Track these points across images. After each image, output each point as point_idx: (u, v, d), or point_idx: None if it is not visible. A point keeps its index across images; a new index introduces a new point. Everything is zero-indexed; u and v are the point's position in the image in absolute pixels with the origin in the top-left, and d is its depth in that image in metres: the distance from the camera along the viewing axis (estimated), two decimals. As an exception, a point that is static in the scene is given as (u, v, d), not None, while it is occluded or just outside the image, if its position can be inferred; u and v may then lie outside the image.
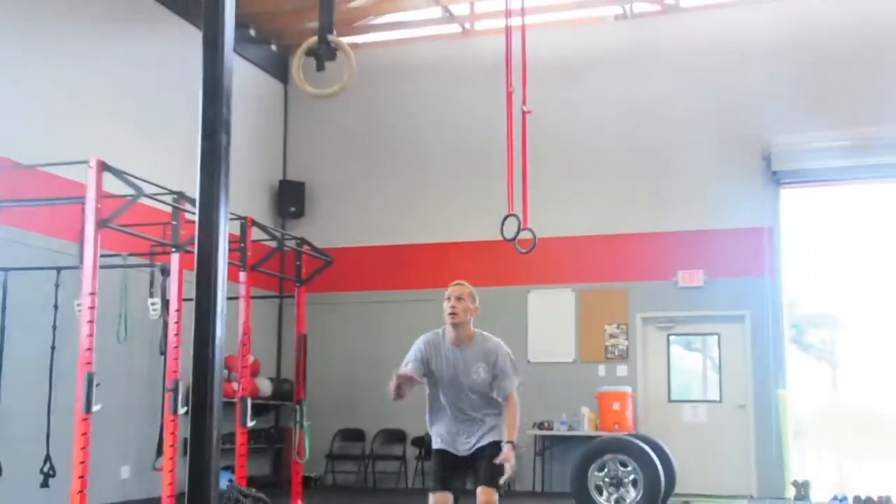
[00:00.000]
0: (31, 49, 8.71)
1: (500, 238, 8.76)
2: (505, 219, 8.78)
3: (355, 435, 12.08)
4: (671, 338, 11.60)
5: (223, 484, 7.98)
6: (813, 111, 11.09)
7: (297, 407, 9.66)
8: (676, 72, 11.68)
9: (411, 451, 11.81)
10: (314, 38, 4.04)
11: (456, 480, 4.88)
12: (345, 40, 12.82)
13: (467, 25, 12.66)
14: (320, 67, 4.08)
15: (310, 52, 4.16)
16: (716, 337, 11.45)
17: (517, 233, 8.80)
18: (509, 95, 8.72)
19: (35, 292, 8.24)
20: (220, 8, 2.59)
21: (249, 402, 8.55)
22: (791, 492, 10.14)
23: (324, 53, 4.05)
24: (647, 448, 9.81)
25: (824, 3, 11.29)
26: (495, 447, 4.70)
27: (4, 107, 8.24)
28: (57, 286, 8.23)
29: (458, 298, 4.80)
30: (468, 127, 12.16)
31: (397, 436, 11.96)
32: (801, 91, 11.20)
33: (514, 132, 8.71)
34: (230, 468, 8.72)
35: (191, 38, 10.47)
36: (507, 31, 8.92)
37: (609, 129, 11.80)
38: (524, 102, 8.69)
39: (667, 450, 10.13)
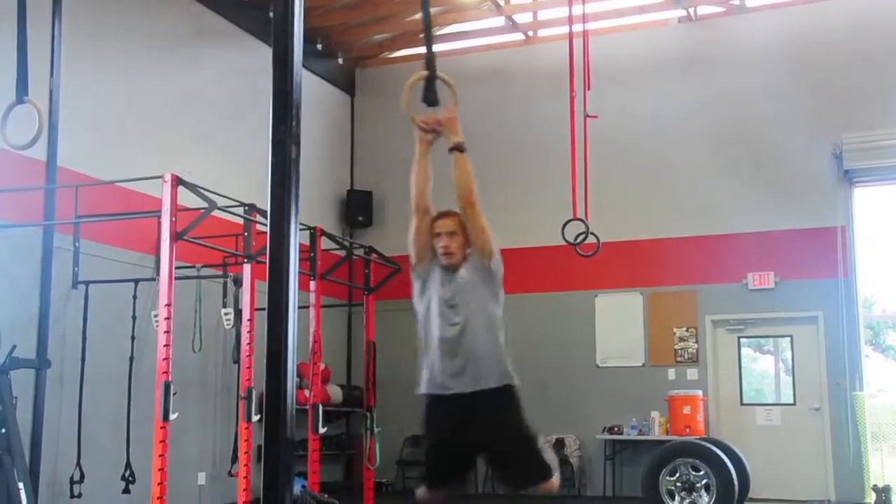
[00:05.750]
0: (106, 68, 8.99)
1: (565, 243, 8.78)
2: (567, 223, 8.81)
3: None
4: (742, 340, 11.45)
5: (296, 490, 8.12)
6: (885, 107, 10.88)
7: (368, 413, 9.78)
8: (742, 73, 11.55)
9: (481, 457, 11.83)
10: (422, 74, 4.17)
11: None
12: (409, 51, 13.10)
13: (530, 33, 12.69)
14: (433, 102, 4.19)
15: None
16: (788, 339, 11.28)
17: (584, 237, 8.82)
18: (572, 101, 8.76)
19: (114, 304, 8.51)
20: (289, 25, 2.69)
21: (321, 409, 8.69)
22: (871, 497, 9.92)
23: (430, 89, 4.15)
24: (719, 452, 9.71)
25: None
26: None
27: (82, 125, 8.52)
28: (134, 298, 8.49)
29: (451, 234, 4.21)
30: (532, 133, 12.19)
31: (467, 442, 12.00)
32: (872, 87, 10.99)
33: (578, 137, 8.73)
34: (303, 474, 8.87)
35: (260, 54, 10.70)
36: (570, 37, 8.95)
37: (675, 132, 11.71)
38: (586, 108, 8.71)
39: (740, 453, 10.02)
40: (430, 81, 4.15)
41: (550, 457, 4.29)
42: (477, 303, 4.19)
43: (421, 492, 4.41)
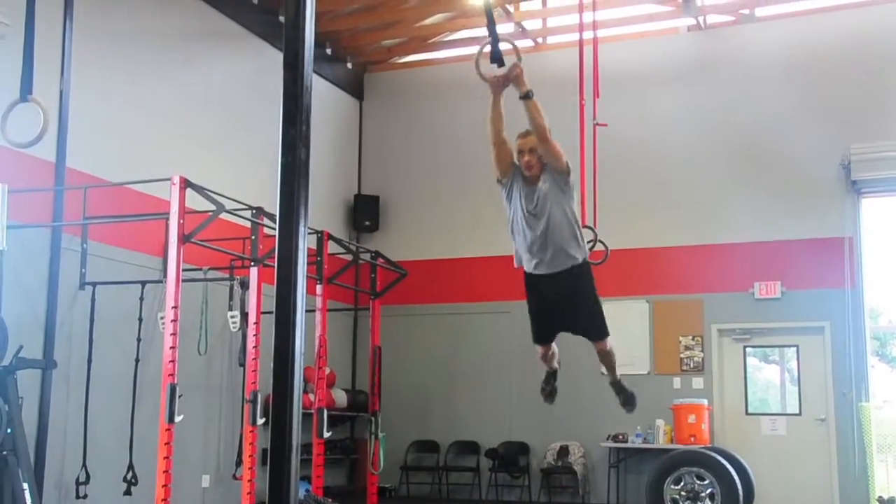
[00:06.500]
0: (115, 70, 9.01)
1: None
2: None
3: (429, 446, 12.15)
4: (748, 349, 11.43)
5: (300, 493, 8.12)
6: (893, 118, 10.85)
7: (372, 418, 9.79)
8: (751, 82, 11.54)
9: (485, 463, 11.83)
10: (487, 40, 5.17)
11: None
12: (418, 57, 13.13)
13: (539, 40, 12.70)
14: (501, 64, 5.15)
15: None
16: (794, 349, 11.25)
17: (592, 245, 8.81)
18: (582, 108, 8.75)
19: (121, 306, 8.52)
20: (300, 30, 2.70)
21: (326, 413, 8.70)
22: (876, 508, 9.91)
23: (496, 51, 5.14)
24: (724, 461, 9.70)
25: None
26: None
27: (92, 127, 8.54)
28: (141, 299, 8.51)
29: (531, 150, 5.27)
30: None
31: (471, 447, 12.00)
32: (880, 98, 10.97)
33: (587, 145, 8.73)
34: (307, 478, 8.88)
35: (268, 57, 10.72)
36: (580, 45, 8.95)
37: (682, 140, 11.70)
38: (595, 115, 8.72)
39: (744, 463, 10.01)
40: (495, 45, 5.07)
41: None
42: (555, 206, 5.23)
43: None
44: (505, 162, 5.33)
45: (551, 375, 6.10)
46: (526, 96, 5.11)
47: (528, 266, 5.40)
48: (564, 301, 5.44)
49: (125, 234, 8.72)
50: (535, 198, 5.26)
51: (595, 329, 5.57)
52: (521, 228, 5.33)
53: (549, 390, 6.15)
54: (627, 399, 6.21)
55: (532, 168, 5.26)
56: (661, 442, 10.85)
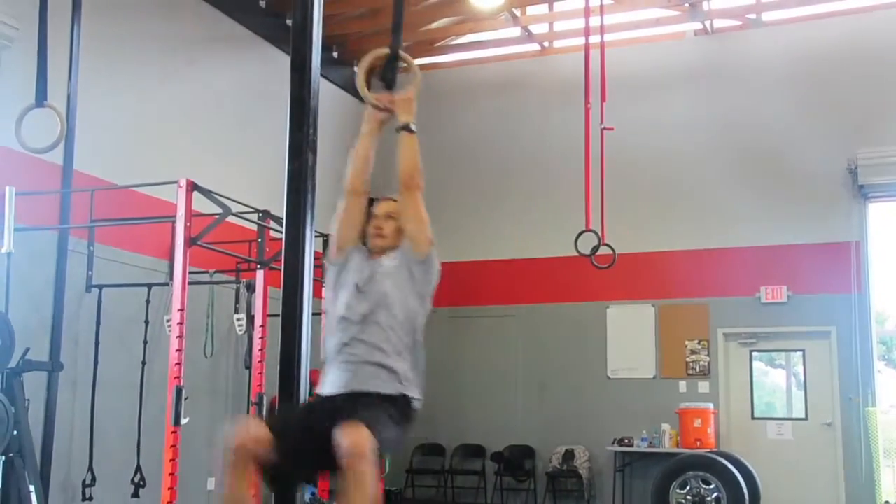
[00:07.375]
0: (122, 73, 9.02)
1: (577, 254, 8.78)
2: (580, 235, 8.81)
3: (435, 450, 12.14)
4: (754, 354, 11.41)
5: (306, 496, 8.12)
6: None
7: (378, 421, 9.77)
8: (757, 86, 11.53)
9: (490, 467, 11.82)
10: (382, 52, 3.87)
11: None
12: (425, 60, 13.14)
13: (546, 44, 12.70)
14: (390, 84, 3.89)
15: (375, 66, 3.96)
16: (800, 353, 11.23)
17: (596, 248, 8.82)
18: (587, 112, 8.76)
19: (127, 308, 8.53)
20: (307, 34, 2.71)
21: (331, 416, 8.69)
22: (883, 513, 9.89)
23: (390, 69, 3.89)
24: (730, 466, 9.69)
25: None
26: None
27: (99, 129, 8.55)
28: (147, 302, 8.52)
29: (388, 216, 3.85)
30: (546, 144, 12.19)
31: (476, 451, 11.99)
32: (887, 102, 10.95)
33: (592, 149, 8.73)
34: (312, 481, 8.87)
35: (275, 60, 10.73)
36: (587, 49, 8.96)
37: (689, 145, 11.69)
38: (602, 120, 8.72)
39: (750, 468, 10.00)
40: (391, 60, 3.86)
41: None
42: (394, 289, 3.61)
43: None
44: (351, 225, 3.87)
45: None
46: (406, 128, 3.91)
47: (322, 382, 3.33)
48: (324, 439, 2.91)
49: (132, 237, 8.74)
50: (370, 272, 3.62)
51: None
52: (340, 311, 3.50)
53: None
54: None
55: (384, 238, 3.76)
56: (667, 446, 10.84)
